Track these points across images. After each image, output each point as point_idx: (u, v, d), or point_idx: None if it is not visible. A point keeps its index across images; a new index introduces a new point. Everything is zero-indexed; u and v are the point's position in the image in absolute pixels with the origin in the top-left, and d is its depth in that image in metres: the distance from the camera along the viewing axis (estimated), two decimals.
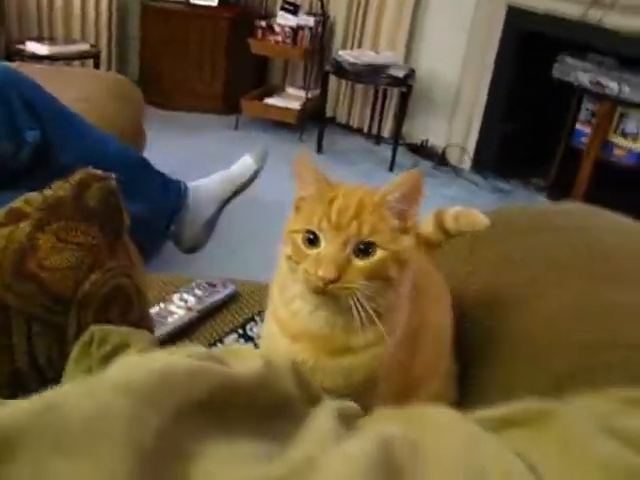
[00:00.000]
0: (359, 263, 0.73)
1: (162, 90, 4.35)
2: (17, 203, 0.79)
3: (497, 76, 3.77)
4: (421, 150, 4.17)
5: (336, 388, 0.75)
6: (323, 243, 0.74)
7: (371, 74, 3.78)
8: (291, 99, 4.30)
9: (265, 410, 0.48)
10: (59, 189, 0.80)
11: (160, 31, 4.30)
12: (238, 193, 2.17)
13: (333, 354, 0.77)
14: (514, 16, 3.60)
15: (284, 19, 4.11)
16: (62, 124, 1.74)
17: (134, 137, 2.57)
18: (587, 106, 3.54)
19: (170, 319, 1.10)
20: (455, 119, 4.03)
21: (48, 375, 0.75)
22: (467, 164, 4.00)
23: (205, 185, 2.13)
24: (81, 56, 3.94)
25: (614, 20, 3.15)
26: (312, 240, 0.75)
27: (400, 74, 3.77)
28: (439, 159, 4.07)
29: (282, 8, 4.17)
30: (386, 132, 4.31)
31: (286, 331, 0.79)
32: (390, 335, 0.77)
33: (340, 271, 0.72)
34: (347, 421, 0.51)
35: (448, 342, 0.94)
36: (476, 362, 0.94)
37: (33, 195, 0.79)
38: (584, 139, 3.52)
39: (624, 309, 0.92)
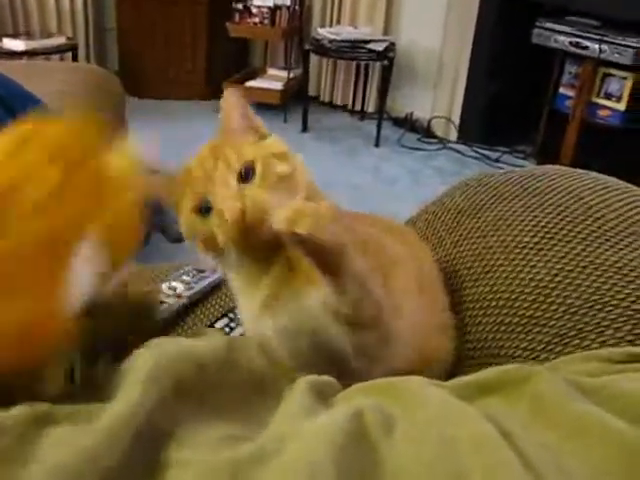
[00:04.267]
0: (250, 185, 0.71)
1: (143, 79, 4.32)
2: None
3: (478, 44, 3.75)
4: (406, 123, 4.16)
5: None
6: (213, 201, 0.72)
7: (351, 50, 3.76)
8: (273, 80, 4.28)
9: (238, 388, 0.49)
10: None
11: (137, 20, 4.26)
12: None
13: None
14: None
15: (261, 0, 4.08)
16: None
17: (115, 128, 2.55)
18: (569, 69, 3.53)
19: (160, 308, 1.10)
20: (439, 90, 4.02)
21: None
22: (453, 135, 4.00)
23: None
24: (59, 50, 3.90)
25: None
26: (205, 210, 0.72)
27: (380, 48, 3.75)
28: (425, 131, 4.06)
29: None
30: (371, 107, 4.30)
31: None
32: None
33: (242, 201, 0.70)
34: (323, 396, 0.51)
35: (436, 295, 0.93)
36: (465, 329, 0.95)
37: None
38: (568, 102, 3.52)
39: (613, 268, 0.93)
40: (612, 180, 1.15)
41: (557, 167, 1.31)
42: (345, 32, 3.85)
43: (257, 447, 0.41)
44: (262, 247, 0.72)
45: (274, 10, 4.06)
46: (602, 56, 3.20)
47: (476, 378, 0.54)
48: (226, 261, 0.75)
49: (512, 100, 3.77)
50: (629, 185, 1.10)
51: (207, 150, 0.76)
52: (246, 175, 0.72)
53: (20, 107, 1.66)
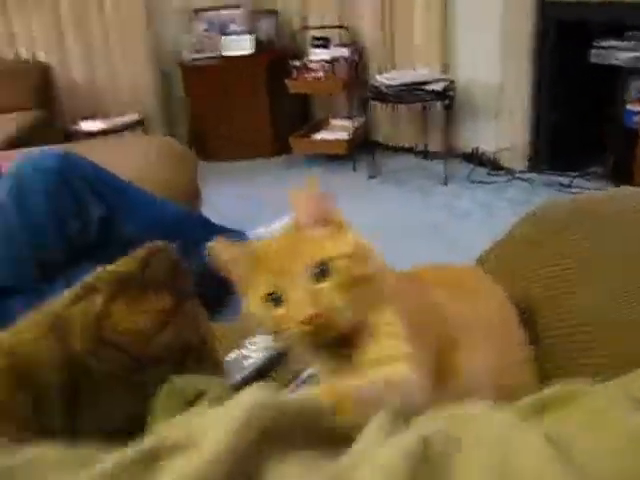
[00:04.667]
0: (325, 285, 0.72)
1: (212, 145, 4.49)
2: (89, 278, 0.85)
3: (537, 70, 3.74)
4: (473, 158, 4.16)
5: None
6: (286, 293, 0.73)
7: (410, 93, 3.81)
8: (338, 130, 4.37)
9: (322, 438, 0.51)
10: (125, 265, 0.86)
11: (202, 88, 4.45)
12: None
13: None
14: (549, 7, 3.58)
15: (317, 55, 4.20)
16: (122, 198, 1.82)
17: (190, 196, 2.65)
18: (635, 85, 3.48)
19: (246, 363, 1.14)
20: (502, 121, 4.01)
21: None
22: (520, 164, 3.97)
23: (265, 232, 2.19)
24: (131, 126, 4.11)
25: None
26: (276, 300, 0.73)
27: (439, 87, 3.79)
28: (492, 164, 4.05)
29: (313, 45, 4.27)
30: (436, 147, 4.32)
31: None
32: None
33: (315, 303, 0.71)
34: (400, 421, 0.53)
35: (509, 334, 0.94)
36: (543, 358, 0.95)
37: (102, 272, 0.86)
38: (636, 118, 3.46)
39: None
40: None
41: (624, 188, 1.31)
42: (402, 76, 3.91)
43: (338, 466, 0.44)
44: (330, 344, 0.74)
45: (332, 62, 4.17)
46: None
47: (532, 397, 0.55)
48: (294, 352, 0.78)
49: (578, 122, 3.73)
50: None
51: (285, 241, 0.76)
52: (322, 273, 0.73)
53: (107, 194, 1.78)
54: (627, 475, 0.40)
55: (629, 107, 3.52)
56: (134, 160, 2.54)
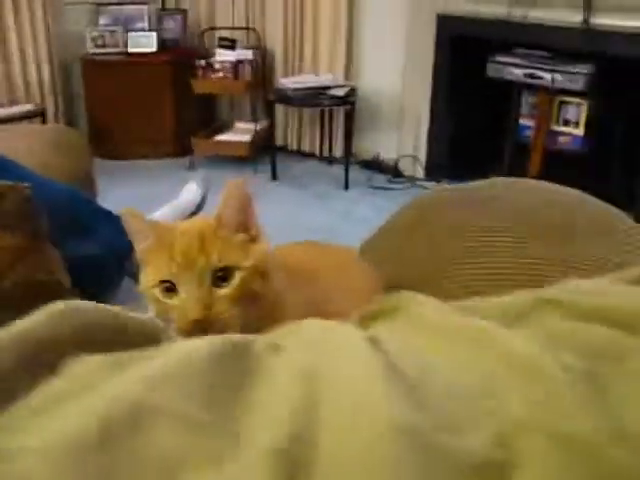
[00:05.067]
0: (222, 292, 0.73)
1: (113, 142, 4.38)
2: None
3: (436, 82, 3.85)
4: (374, 165, 4.23)
5: None
6: (180, 289, 0.73)
7: (313, 97, 3.85)
8: (241, 133, 4.36)
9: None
10: None
11: (103, 84, 4.34)
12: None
13: None
14: (444, 23, 3.70)
15: (223, 55, 4.18)
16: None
17: (83, 185, 2.57)
18: (527, 100, 3.63)
19: None
20: (403, 130, 4.10)
21: None
22: (421, 172, 4.06)
23: (157, 218, 2.15)
24: (27, 116, 3.96)
25: (538, 15, 3.26)
26: (170, 288, 0.73)
27: (341, 93, 3.84)
28: (393, 172, 4.13)
29: (219, 45, 4.24)
30: (338, 152, 4.37)
31: None
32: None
33: (207, 306, 0.71)
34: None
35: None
36: None
37: None
38: (529, 132, 3.61)
39: (547, 262, 0.97)
40: (548, 185, 1.22)
41: (500, 178, 1.38)
42: (306, 81, 3.94)
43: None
44: None
45: (236, 64, 4.16)
46: (556, 85, 3.29)
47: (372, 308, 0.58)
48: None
49: (474, 134, 3.86)
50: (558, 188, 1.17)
51: (196, 233, 0.75)
52: (222, 278, 0.73)
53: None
54: (430, 368, 0.41)
55: (522, 121, 3.67)
56: (23, 144, 2.45)
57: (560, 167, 3.33)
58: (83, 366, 0.40)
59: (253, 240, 0.78)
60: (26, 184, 0.87)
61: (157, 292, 0.74)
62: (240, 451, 0.33)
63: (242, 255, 0.75)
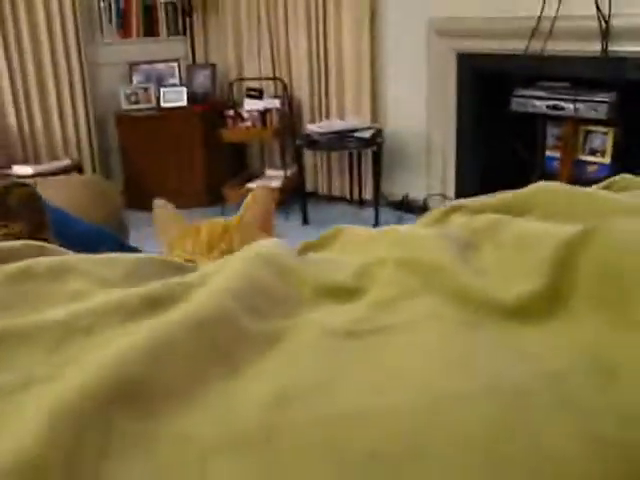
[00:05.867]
0: None
1: (147, 194, 4.43)
2: None
3: (461, 119, 3.89)
4: (403, 205, 4.25)
5: None
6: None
7: (340, 140, 3.92)
8: (271, 180, 4.42)
9: None
10: None
11: (136, 137, 4.49)
12: None
13: None
14: (465, 60, 3.76)
15: (251, 105, 4.30)
16: None
17: (116, 231, 2.65)
18: (552, 132, 3.64)
19: None
20: (430, 169, 4.13)
21: None
22: None
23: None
24: (65, 170, 4.10)
25: (556, 47, 3.29)
26: None
27: (367, 135, 3.90)
28: (422, 210, 4.14)
29: (247, 95, 4.37)
30: (367, 194, 4.40)
31: None
32: None
33: None
34: None
35: None
36: None
37: None
38: (556, 163, 3.61)
39: None
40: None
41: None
42: (333, 125, 4.02)
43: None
44: None
45: (264, 113, 4.27)
46: (579, 114, 3.30)
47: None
48: None
49: (502, 168, 3.86)
50: None
51: (222, 224, 0.86)
52: None
53: None
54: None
55: (548, 153, 3.67)
56: (59, 193, 2.54)
57: None
58: None
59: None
60: (32, 182, 0.93)
61: None
62: None
63: None
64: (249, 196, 0.86)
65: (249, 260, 0.48)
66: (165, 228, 0.87)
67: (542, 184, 0.64)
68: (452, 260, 0.47)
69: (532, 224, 0.55)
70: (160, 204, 0.87)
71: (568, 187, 0.59)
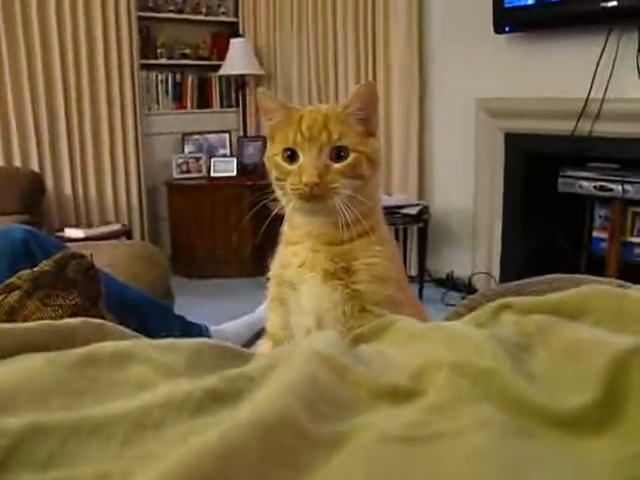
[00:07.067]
0: (336, 166, 0.86)
1: (194, 262, 4.56)
2: (12, 279, 0.90)
3: (507, 199, 3.89)
4: (448, 283, 4.23)
5: (335, 271, 0.89)
6: (301, 156, 0.86)
7: (386, 216, 3.91)
8: None
9: None
10: (45, 265, 0.92)
11: (186, 206, 4.60)
12: (260, 336, 2.25)
13: (327, 244, 0.91)
14: (512, 141, 3.79)
15: None
16: None
17: (162, 297, 2.68)
18: (599, 213, 3.62)
19: None
20: (476, 247, 4.12)
21: None
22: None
23: (226, 329, 2.24)
24: (115, 235, 4.20)
25: (603, 129, 3.30)
26: (291, 156, 0.87)
27: (414, 211, 3.92)
28: (467, 289, 4.11)
29: None
30: (413, 270, 4.40)
31: (290, 242, 0.98)
32: (375, 233, 0.94)
33: (321, 174, 0.84)
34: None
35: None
36: None
37: (24, 272, 0.91)
38: (603, 245, 3.56)
39: None
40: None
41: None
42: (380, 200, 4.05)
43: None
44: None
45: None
46: (627, 196, 3.28)
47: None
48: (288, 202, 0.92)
49: (548, 249, 3.83)
50: None
51: (323, 113, 0.89)
52: (337, 156, 0.87)
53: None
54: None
55: (595, 234, 3.64)
56: (108, 257, 2.60)
57: (637, 279, 3.26)
58: None
59: (371, 134, 0.91)
60: (89, 253, 0.96)
61: (279, 159, 0.89)
62: None
63: (359, 141, 0.88)
64: (355, 88, 0.90)
65: (308, 359, 0.49)
66: (268, 112, 0.92)
67: (594, 288, 0.62)
68: (506, 366, 0.48)
69: (585, 330, 0.55)
70: (263, 92, 0.92)
71: (620, 292, 0.59)
